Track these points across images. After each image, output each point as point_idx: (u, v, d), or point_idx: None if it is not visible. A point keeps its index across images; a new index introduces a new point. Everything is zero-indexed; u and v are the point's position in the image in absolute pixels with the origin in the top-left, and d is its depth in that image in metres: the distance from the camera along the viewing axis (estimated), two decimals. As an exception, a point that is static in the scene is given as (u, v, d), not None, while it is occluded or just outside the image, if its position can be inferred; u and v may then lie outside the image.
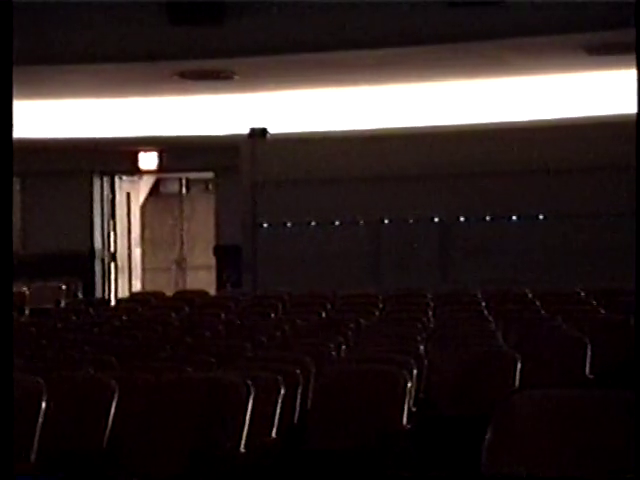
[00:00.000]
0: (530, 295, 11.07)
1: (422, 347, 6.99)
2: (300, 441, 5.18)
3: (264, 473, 4.80)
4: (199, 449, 4.33)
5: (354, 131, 13.93)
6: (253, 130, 14.26)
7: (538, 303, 10.48)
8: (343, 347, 7.26)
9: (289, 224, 14.36)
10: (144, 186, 18.03)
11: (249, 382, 4.56)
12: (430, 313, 9.76)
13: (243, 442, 4.38)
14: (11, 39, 3.06)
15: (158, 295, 12.48)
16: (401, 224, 14.31)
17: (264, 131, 14.29)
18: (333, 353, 6.89)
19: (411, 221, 14.30)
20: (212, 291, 14.08)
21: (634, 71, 11.40)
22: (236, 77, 11.86)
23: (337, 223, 14.36)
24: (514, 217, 13.97)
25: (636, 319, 5.70)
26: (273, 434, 4.85)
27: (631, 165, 13.13)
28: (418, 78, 12.12)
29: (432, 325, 8.87)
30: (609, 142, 13.23)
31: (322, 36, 10.54)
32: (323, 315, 9.89)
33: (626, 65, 10.98)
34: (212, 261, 16.15)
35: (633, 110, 12.94)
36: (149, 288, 16.90)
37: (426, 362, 6.29)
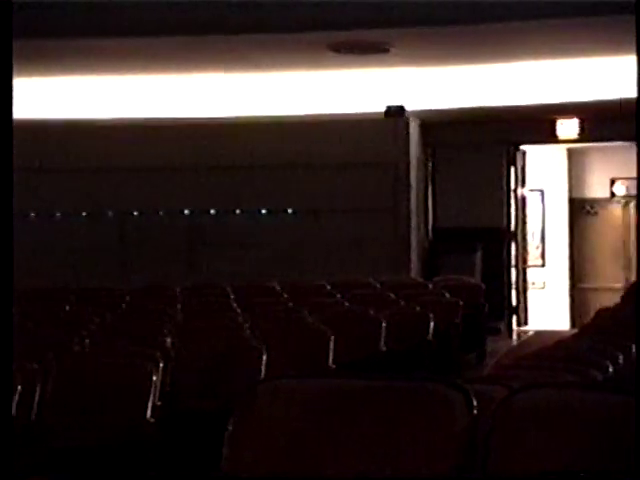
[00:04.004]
0: (278, 288, 11.20)
1: (169, 340, 6.91)
2: (37, 439, 4.97)
3: None
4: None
5: (111, 120, 13.50)
6: None
7: (286, 296, 10.62)
8: (87, 341, 7.05)
9: (32, 214, 13.83)
10: None
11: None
12: (178, 306, 9.68)
13: None
14: None
15: None
16: (149, 216, 14.11)
17: None
18: (76, 347, 6.68)
19: (160, 213, 14.12)
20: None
21: (382, 70, 11.86)
22: None
23: (83, 214, 13.97)
24: (263, 211, 14.08)
25: (636, 318, 5.84)
26: None
27: (382, 161, 13.70)
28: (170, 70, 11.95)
29: (180, 318, 8.79)
30: (358, 139, 13.59)
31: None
32: (67, 309, 9.58)
33: (370, 64, 11.30)
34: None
35: (381, 109, 13.49)
36: None
37: (173, 355, 6.22)
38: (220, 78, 12.43)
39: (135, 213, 14.14)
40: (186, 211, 14.14)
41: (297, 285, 11.28)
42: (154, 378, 5.29)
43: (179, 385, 5.98)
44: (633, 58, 11.16)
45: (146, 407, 5.18)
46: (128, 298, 10.42)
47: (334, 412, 2.66)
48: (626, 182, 16.13)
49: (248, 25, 9.57)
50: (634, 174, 14.98)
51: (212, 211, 14.13)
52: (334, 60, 10.91)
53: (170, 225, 14.08)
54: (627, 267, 16.03)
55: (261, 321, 7.98)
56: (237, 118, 13.55)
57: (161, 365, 5.59)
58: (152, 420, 5.18)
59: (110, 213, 14.06)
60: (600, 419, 2.33)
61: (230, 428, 2.74)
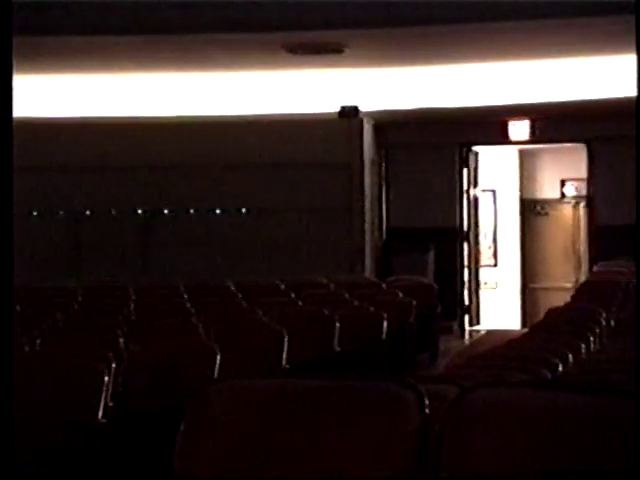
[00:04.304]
0: (232, 288, 11.19)
1: (122, 340, 6.86)
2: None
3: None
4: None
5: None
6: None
7: (240, 295, 10.61)
8: (38, 341, 6.99)
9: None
10: None
11: None
12: (132, 306, 9.63)
13: None
14: None
15: None
16: (103, 215, 14.01)
17: None
18: (27, 347, 6.62)
19: (114, 212, 14.03)
20: None
21: (336, 70, 11.89)
22: None
23: (35, 214, 13.84)
24: (217, 210, 14.05)
25: (637, 317, 5.87)
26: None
27: (336, 161, 13.72)
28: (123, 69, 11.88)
29: (133, 318, 8.74)
30: (312, 139, 13.61)
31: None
32: (18, 308, 9.48)
33: (325, 65, 11.32)
34: None
35: (335, 109, 13.52)
36: None
37: (125, 355, 6.18)
38: (174, 77, 12.38)
39: (87, 212, 14.04)
40: (139, 211, 14.07)
41: (251, 285, 11.28)
42: (106, 379, 5.26)
43: (131, 385, 5.95)
44: (583, 60, 11.32)
45: (98, 408, 5.15)
46: (80, 298, 10.34)
47: (287, 412, 2.66)
48: (576, 183, 16.31)
49: (203, 25, 9.54)
50: (584, 175, 15.17)
51: (165, 211, 14.07)
52: (289, 60, 10.91)
53: (123, 225, 14.00)
54: (577, 267, 16.21)
55: (215, 321, 7.96)
56: (192, 117, 13.51)
57: (113, 365, 5.56)
58: (104, 421, 5.15)
59: (62, 212, 13.94)
60: (551, 418, 2.35)
61: (182, 429, 2.73)
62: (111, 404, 5.31)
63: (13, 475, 2.81)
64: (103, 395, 5.20)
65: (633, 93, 13.68)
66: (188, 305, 9.62)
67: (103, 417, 5.14)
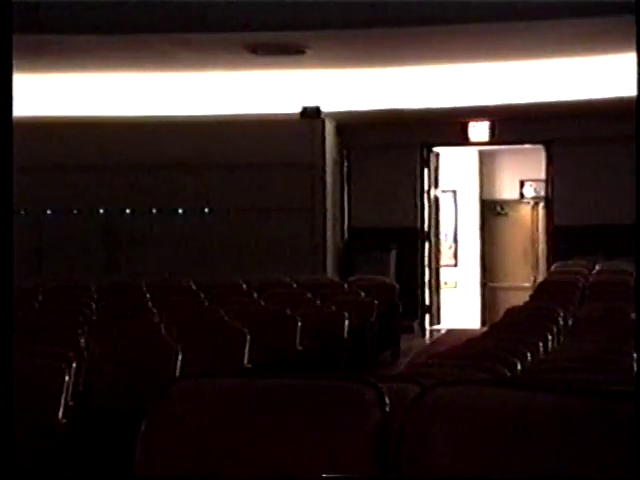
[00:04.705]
0: (194, 287, 11.18)
1: (83, 340, 6.84)
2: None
3: None
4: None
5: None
6: None
7: (202, 295, 10.60)
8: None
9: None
10: None
11: None
12: (93, 305, 9.59)
13: None
14: None
15: None
16: (64, 215, 13.94)
17: None
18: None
19: (75, 212, 13.96)
20: None
21: (298, 71, 11.90)
22: None
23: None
24: (180, 210, 14.02)
25: (637, 317, 5.90)
26: None
27: (298, 162, 13.73)
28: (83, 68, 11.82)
29: (95, 317, 8.72)
30: (274, 140, 13.62)
31: None
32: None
33: (287, 65, 11.33)
34: None
35: (297, 110, 13.53)
36: None
37: (86, 355, 6.16)
38: (136, 77, 12.33)
39: (49, 212, 13.96)
40: (101, 210, 14.01)
41: (213, 284, 11.27)
42: (67, 378, 5.24)
43: (93, 385, 5.94)
44: (541, 62, 11.43)
45: (58, 407, 5.13)
46: (41, 297, 10.28)
47: (248, 411, 2.66)
48: (535, 184, 16.45)
49: (165, 24, 9.52)
50: (542, 176, 15.31)
51: (128, 210, 14.02)
52: (251, 61, 10.92)
53: (85, 224, 13.93)
54: (535, 267, 16.36)
55: (177, 320, 7.95)
56: (154, 117, 13.47)
57: (74, 365, 5.54)
58: (64, 421, 5.13)
59: (23, 212, 13.84)
60: (510, 416, 2.37)
61: (143, 428, 2.73)
62: (72, 404, 5.30)
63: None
64: (64, 395, 5.18)
65: (591, 95, 13.91)
66: (150, 304, 9.60)
67: (64, 417, 5.13)
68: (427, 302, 15.18)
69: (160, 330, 7.43)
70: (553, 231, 14.74)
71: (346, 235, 14.98)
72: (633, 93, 12.90)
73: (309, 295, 10.67)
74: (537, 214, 16.44)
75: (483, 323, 15.58)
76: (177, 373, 5.91)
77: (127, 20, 9.49)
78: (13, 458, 2.90)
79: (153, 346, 6.40)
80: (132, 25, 9.55)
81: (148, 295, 10.38)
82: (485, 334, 7.64)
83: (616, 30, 9.45)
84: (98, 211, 13.98)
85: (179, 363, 5.98)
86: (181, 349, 6.07)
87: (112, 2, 9.29)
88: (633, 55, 11.23)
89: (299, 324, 8.25)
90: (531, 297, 10.57)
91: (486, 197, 16.74)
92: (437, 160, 15.59)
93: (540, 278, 14.38)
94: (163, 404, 2.74)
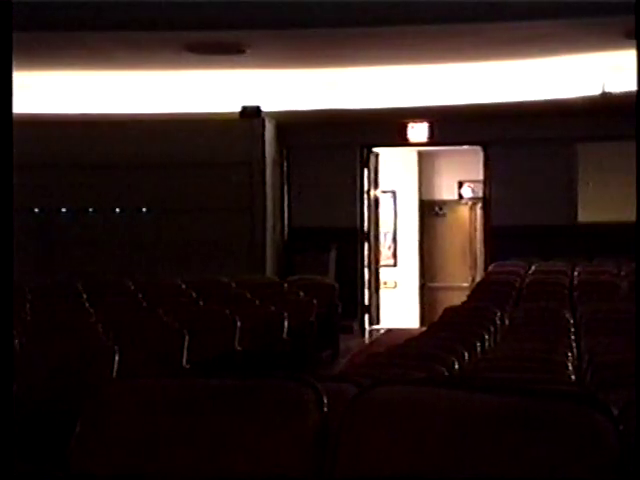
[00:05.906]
0: (132, 287, 11.09)
1: (17, 341, 6.74)
2: None
3: None
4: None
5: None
6: None
7: (140, 295, 10.52)
8: None
9: None
10: None
11: None
12: (28, 306, 9.47)
13: None
14: None
15: None
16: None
17: None
18: None
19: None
20: None
21: (238, 70, 11.87)
22: None
23: None
24: (117, 209, 13.90)
25: (637, 316, 5.88)
26: None
27: (237, 161, 13.69)
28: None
29: (29, 318, 8.60)
30: (214, 139, 13.58)
31: None
32: None
33: (227, 65, 11.30)
34: None
35: (237, 109, 13.49)
36: None
37: (21, 356, 6.07)
38: (76, 75, 12.21)
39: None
40: (36, 209, 13.83)
41: (152, 284, 11.19)
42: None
43: (27, 386, 5.86)
44: (479, 64, 11.53)
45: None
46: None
47: (185, 412, 2.65)
48: (472, 185, 16.60)
49: (103, 23, 9.43)
50: (480, 177, 15.45)
51: (63, 209, 13.86)
52: (190, 60, 10.87)
53: (20, 224, 13.72)
54: (473, 267, 16.50)
55: (114, 320, 7.88)
56: (94, 116, 13.34)
57: (9, 366, 5.47)
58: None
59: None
60: (449, 415, 2.38)
61: (77, 429, 2.70)
62: (7, 405, 5.22)
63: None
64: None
65: (528, 97, 14.07)
66: (86, 305, 9.50)
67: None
68: (366, 302, 15.24)
69: (96, 330, 7.35)
70: (490, 231, 14.88)
71: (286, 235, 14.97)
72: (567, 95, 13.11)
73: (248, 295, 10.65)
74: (475, 215, 16.59)
75: (422, 323, 15.68)
76: (114, 374, 5.85)
77: (66, 18, 9.38)
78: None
79: (89, 347, 6.33)
80: (71, 23, 9.45)
81: (84, 295, 10.28)
82: (423, 334, 7.68)
83: (552, 33, 9.58)
84: (32, 210, 13.81)
85: (116, 364, 5.92)
86: (118, 350, 6.01)
87: (52, 0, 9.19)
88: (569, 58, 11.41)
89: (238, 324, 8.22)
90: (469, 297, 10.66)
91: (425, 197, 16.85)
92: (377, 160, 15.66)
93: (478, 278, 14.51)
94: (99, 405, 2.71)
